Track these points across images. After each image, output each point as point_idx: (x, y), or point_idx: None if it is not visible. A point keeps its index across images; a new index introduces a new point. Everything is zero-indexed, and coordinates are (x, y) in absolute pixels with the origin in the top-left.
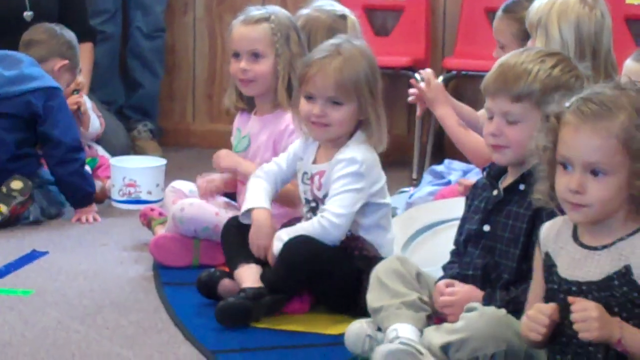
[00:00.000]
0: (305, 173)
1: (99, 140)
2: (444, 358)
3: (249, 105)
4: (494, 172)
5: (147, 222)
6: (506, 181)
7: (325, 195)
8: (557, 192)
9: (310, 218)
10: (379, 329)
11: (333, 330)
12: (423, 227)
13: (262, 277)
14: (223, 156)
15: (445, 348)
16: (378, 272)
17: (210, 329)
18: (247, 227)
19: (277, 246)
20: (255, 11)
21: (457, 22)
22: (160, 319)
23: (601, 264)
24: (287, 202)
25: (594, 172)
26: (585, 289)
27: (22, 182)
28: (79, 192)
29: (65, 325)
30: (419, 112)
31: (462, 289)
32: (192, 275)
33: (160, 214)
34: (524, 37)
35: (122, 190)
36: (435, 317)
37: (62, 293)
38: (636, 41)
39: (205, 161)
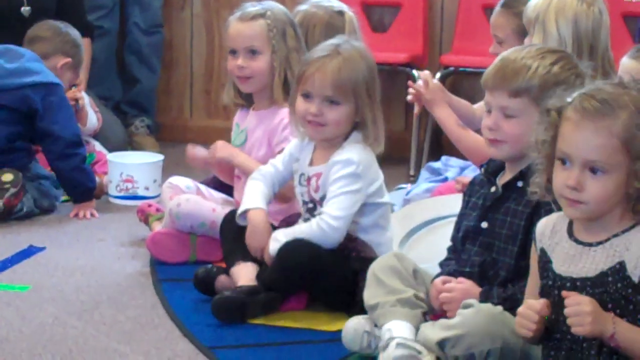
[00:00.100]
0: (302, 174)
1: (96, 136)
2: (440, 354)
3: (247, 101)
4: (492, 169)
5: (145, 217)
6: (504, 178)
7: (322, 197)
8: (554, 187)
9: (309, 219)
10: (376, 326)
11: (330, 327)
12: (420, 223)
13: (258, 277)
14: (219, 147)
15: (442, 344)
16: (375, 268)
17: (207, 325)
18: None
19: (273, 247)
20: (252, 7)
21: (454, 19)
22: (157, 314)
23: (596, 260)
24: (281, 198)
25: (593, 170)
26: (580, 285)
27: (12, 174)
28: (80, 187)
29: (62, 321)
30: (416, 110)
31: (459, 286)
32: (189, 271)
33: (158, 209)
34: (523, 32)
35: (119, 186)
36: (432, 314)
37: (59, 289)
38: (634, 38)
39: None
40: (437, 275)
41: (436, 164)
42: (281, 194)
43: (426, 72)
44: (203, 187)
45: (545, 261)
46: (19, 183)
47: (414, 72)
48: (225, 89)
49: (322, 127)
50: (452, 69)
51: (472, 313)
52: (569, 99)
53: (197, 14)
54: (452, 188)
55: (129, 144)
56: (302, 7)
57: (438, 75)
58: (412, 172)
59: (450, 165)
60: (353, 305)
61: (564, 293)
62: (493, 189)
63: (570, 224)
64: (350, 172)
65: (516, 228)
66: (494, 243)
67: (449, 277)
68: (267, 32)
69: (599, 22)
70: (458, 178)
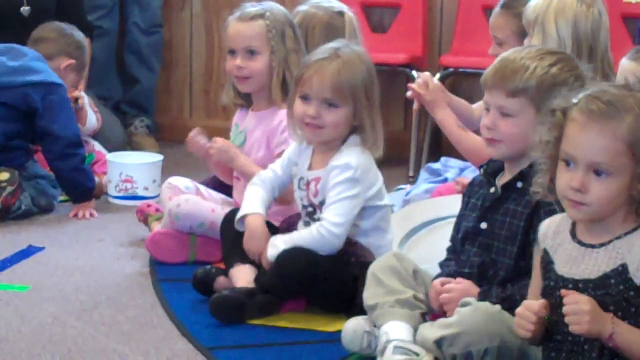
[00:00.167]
0: (301, 179)
1: (95, 136)
2: (438, 353)
3: (247, 101)
4: (491, 170)
5: (144, 218)
6: (504, 179)
7: (322, 202)
8: (557, 189)
9: (309, 222)
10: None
11: (329, 327)
12: (420, 224)
13: (257, 281)
14: (219, 150)
15: (439, 343)
16: (374, 268)
17: (207, 325)
18: None
19: (272, 253)
20: (251, 8)
21: (454, 20)
22: (157, 315)
23: (599, 262)
24: (281, 201)
25: (597, 172)
26: (582, 287)
27: (8, 172)
28: (79, 187)
29: (61, 321)
30: (416, 106)
31: (457, 286)
32: (188, 272)
33: (157, 210)
34: (524, 33)
35: (118, 186)
36: (431, 315)
37: (59, 289)
38: (633, 40)
39: None
40: (437, 277)
41: (436, 165)
42: (281, 197)
43: (427, 74)
44: (202, 188)
45: (547, 262)
46: (16, 182)
47: (414, 73)
48: (225, 90)
49: (320, 130)
50: (451, 70)
51: (469, 311)
52: (574, 100)
53: (197, 14)
54: (451, 189)
55: (129, 145)
56: (302, 8)
57: (438, 76)
58: (411, 173)
59: (449, 166)
60: (353, 310)
61: (562, 292)
62: (493, 190)
63: (574, 225)
64: (348, 177)
65: (516, 229)
66: (494, 244)
67: (448, 279)
68: (266, 33)
69: (598, 23)
70: (458, 179)
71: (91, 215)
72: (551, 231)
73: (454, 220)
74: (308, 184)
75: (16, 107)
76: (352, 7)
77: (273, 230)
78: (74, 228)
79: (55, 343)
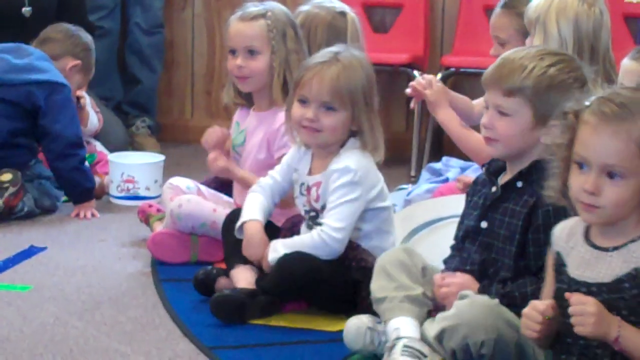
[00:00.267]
0: (302, 184)
1: (97, 136)
2: (439, 348)
3: (247, 101)
4: (493, 169)
5: (145, 218)
6: (505, 178)
7: (323, 207)
8: (570, 191)
9: (312, 225)
10: (378, 322)
11: (331, 327)
12: (421, 224)
13: (257, 284)
14: (218, 169)
15: (440, 337)
16: (383, 261)
17: (208, 325)
18: None
19: (272, 257)
20: (253, 7)
21: (455, 20)
22: (158, 315)
23: (612, 265)
24: (282, 205)
25: (611, 175)
26: (595, 290)
27: (10, 173)
28: (79, 187)
29: (63, 321)
30: (413, 103)
31: (456, 280)
32: (190, 272)
33: (158, 210)
34: (526, 33)
35: (120, 186)
36: (434, 311)
37: (60, 289)
38: (635, 39)
39: (204, 158)
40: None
41: (437, 165)
42: (282, 201)
43: (430, 76)
44: (204, 188)
45: (560, 265)
46: (18, 182)
47: (415, 73)
48: (225, 89)
49: (317, 133)
50: (453, 69)
51: (466, 304)
52: (587, 103)
53: (198, 14)
54: (453, 188)
55: (130, 145)
56: (304, 8)
57: (439, 75)
58: (413, 173)
59: (450, 166)
60: (354, 313)
61: (566, 295)
62: (493, 189)
63: (588, 228)
64: (348, 181)
65: (514, 228)
66: (493, 243)
67: (446, 273)
68: (267, 33)
69: (600, 22)
70: (459, 177)
71: (92, 215)
72: (564, 233)
73: (455, 220)
74: (309, 188)
75: (20, 105)
76: (353, 7)
77: (275, 230)
78: (76, 228)
79: (57, 343)
